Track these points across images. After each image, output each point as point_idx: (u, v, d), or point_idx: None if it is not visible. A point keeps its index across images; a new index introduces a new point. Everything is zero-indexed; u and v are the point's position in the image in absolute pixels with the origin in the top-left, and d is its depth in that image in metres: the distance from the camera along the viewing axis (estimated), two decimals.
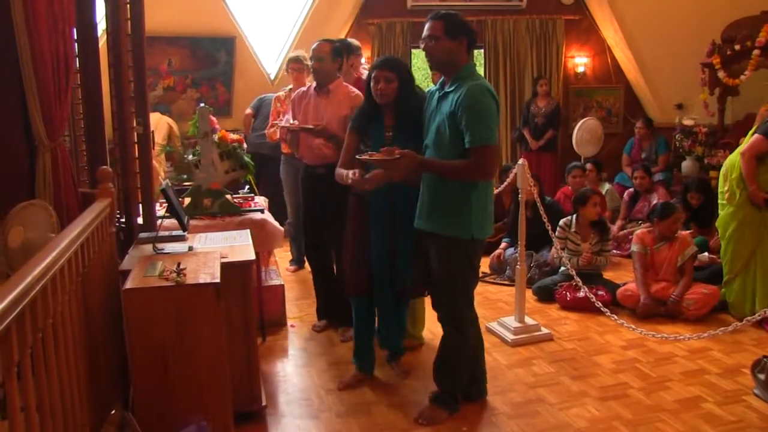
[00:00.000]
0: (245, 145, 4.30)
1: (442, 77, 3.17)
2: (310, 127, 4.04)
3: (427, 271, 3.24)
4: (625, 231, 6.46)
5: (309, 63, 5.06)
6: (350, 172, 3.20)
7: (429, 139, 3.11)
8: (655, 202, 6.35)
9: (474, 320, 3.31)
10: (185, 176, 4.20)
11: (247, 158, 4.17)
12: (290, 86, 5.52)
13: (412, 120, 3.28)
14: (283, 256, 6.08)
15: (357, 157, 3.11)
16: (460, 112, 2.92)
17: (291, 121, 4.29)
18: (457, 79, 3.02)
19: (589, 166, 6.99)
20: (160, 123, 6.76)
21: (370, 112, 3.43)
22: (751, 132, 4.67)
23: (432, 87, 3.35)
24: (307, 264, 5.37)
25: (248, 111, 7.13)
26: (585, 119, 8.12)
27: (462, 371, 3.30)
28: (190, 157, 4.08)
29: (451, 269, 3.11)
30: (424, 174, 3.13)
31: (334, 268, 4.40)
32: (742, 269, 4.52)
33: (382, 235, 3.43)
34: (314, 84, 4.23)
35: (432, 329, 4.35)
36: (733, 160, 4.62)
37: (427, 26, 3.05)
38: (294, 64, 5.43)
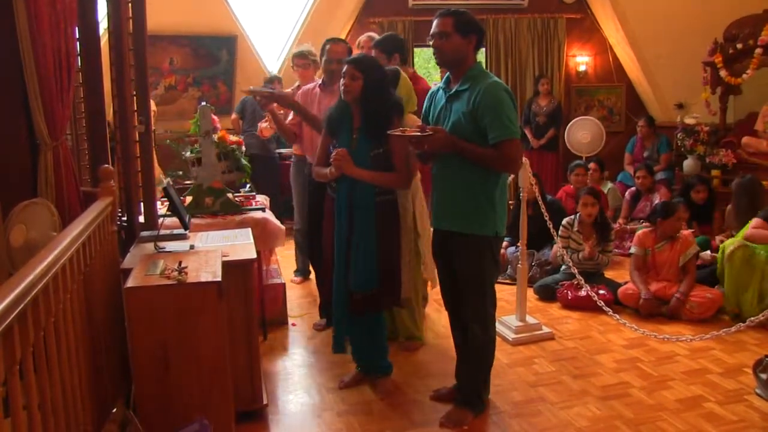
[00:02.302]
0: (243, 148, 4.28)
1: (446, 75, 3.17)
2: (278, 92, 4.05)
3: (450, 272, 3.23)
4: (628, 226, 6.43)
5: (314, 58, 5.02)
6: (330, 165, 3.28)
7: None
8: (656, 201, 6.34)
9: (494, 316, 3.28)
10: (180, 172, 4.19)
11: (244, 161, 4.15)
12: (297, 83, 5.42)
13: (379, 124, 3.23)
14: (285, 255, 6.08)
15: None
16: (480, 111, 2.94)
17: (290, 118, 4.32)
18: (469, 78, 3.02)
19: (592, 165, 6.99)
20: None
21: (342, 110, 3.39)
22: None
23: (433, 87, 3.34)
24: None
25: (234, 116, 7.16)
26: (576, 119, 8.12)
27: (488, 369, 3.33)
28: (188, 153, 4.07)
29: (479, 267, 3.11)
30: (444, 173, 3.14)
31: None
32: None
33: (344, 228, 3.38)
34: (319, 81, 4.24)
35: (432, 329, 4.36)
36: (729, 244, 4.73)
37: (436, 23, 3.03)
38: (299, 60, 5.28)
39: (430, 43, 3.06)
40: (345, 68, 3.31)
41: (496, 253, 3.20)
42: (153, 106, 6.96)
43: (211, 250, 3.09)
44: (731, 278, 4.61)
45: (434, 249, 3.31)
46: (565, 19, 8.48)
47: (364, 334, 3.53)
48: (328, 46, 4.18)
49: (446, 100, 3.12)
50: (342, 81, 3.31)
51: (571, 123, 8.09)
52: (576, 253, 5.09)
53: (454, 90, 3.08)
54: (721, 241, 5.06)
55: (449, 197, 3.13)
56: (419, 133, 2.96)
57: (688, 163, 7.20)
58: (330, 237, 3.46)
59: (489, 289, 3.18)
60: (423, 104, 3.39)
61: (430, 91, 3.33)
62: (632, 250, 4.92)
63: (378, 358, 3.61)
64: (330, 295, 4.28)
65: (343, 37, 7.94)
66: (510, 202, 5.81)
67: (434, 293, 4.10)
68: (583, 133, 8.00)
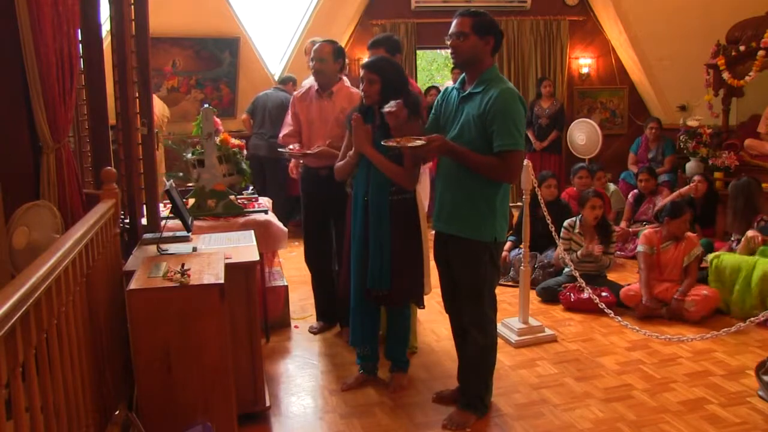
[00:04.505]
0: (245, 152, 4.27)
1: (462, 75, 3.15)
2: (311, 152, 4.02)
3: (450, 275, 3.22)
4: (631, 229, 6.42)
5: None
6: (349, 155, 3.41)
7: (450, 135, 3.07)
8: (659, 204, 6.34)
9: (494, 320, 3.27)
10: (181, 174, 4.18)
11: (245, 165, 4.15)
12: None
13: None
14: (287, 258, 6.08)
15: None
16: (490, 116, 2.91)
17: (290, 124, 4.31)
18: (483, 80, 3.00)
19: (599, 173, 6.97)
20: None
21: (364, 112, 3.44)
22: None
23: (448, 86, 3.34)
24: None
25: (245, 116, 7.19)
26: (575, 121, 8.13)
27: (489, 372, 3.31)
28: (189, 155, 4.07)
29: (477, 272, 3.09)
30: (446, 176, 3.13)
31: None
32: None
33: (361, 228, 3.43)
34: (315, 85, 4.21)
35: (435, 331, 4.36)
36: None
37: (454, 23, 3.01)
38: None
39: (448, 42, 3.04)
40: (362, 74, 3.38)
41: (496, 258, 3.16)
42: (166, 111, 6.98)
43: (214, 252, 3.09)
44: (719, 283, 4.73)
45: (435, 252, 3.31)
46: (567, 21, 8.48)
47: (391, 325, 3.62)
48: (315, 47, 4.17)
49: (459, 101, 3.09)
50: (361, 86, 3.39)
51: (571, 125, 8.10)
52: (575, 253, 5.09)
53: (467, 92, 3.05)
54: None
55: (450, 200, 3.12)
56: (412, 144, 2.96)
57: (691, 166, 7.19)
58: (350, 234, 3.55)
59: (488, 294, 3.17)
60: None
61: (444, 88, 3.32)
62: (640, 248, 4.90)
63: (398, 353, 3.65)
64: (333, 300, 4.30)
65: (346, 39, 7.97)
66: (518, 204, 5.82)
67: (435, 295, 4.09)
68: (579, 135, 8.00)
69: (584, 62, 8.68)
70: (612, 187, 7.26)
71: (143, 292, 2.56)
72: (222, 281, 2.63)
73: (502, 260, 5.61)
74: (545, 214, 4.53)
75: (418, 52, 8.45)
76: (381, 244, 3.36)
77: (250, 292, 3.08)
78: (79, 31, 3.28)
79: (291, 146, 4.15)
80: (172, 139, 4.79)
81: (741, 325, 3.62)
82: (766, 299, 4.43)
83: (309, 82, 5.32)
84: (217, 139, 4.00)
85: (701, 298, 4.53)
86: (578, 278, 4.47)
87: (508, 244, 5.76)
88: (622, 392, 3.51)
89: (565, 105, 8.30)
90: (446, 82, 14.19)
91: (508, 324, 4.33)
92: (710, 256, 4.81)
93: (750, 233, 4.81)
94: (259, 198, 4.58)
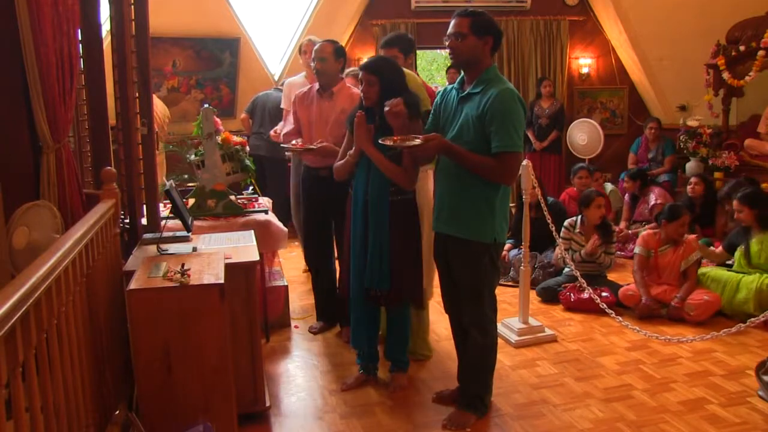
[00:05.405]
0: (248, 148, 4.27)
1: (461, 75, 3.15)
2: (313, 147, 4.02)
3: (450, 275, 3.22)
4: (630, 231, 6.44)
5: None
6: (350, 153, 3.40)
7: (449, 136, 3.06)
8: (652, 203, 6.35)
9: (494, 320, 3.27)
10: (186, 176, 4.19)
11: (248, 161, 4.16)
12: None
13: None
14: (287, 258, 6.08)
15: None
16: (489, 116, 2.90)
17: (291, 125, 4.31)
18: (483, 80, 2.99)
19: (597, 174, 6.97)
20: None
21: (365, 113, 3.42)
22: None
23: (447, 85, 3.33)
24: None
25: (244, 115, 7.19)
26: (575, 121, 8.13)
27: (489, 372, 3.30)
28: (193, 157, 4.08)
29: (477, 273, 3.09)
30: (446, 177, 3.12)
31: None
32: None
33: (361, 228, 3.43)
34: (316, 85, 4.21)
35: (435, 331, 4.36)
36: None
37: (452, 23, 3.00)
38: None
39: (446, 43, 3.03)
40: (360, 75, 3.38)
41: (496, 258, 3.16)
42: (167, 112, 6.95)
43: (214, 252, 3.09)
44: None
45: (435, 252, 3.31)
46: (567, 21, 8.47)
47: (392, 325, 3.61)
48: (316, 46, 4.18)
49: (458, 101, 3.09)
50: (361, 88, 3.39)
51: (571, 125, 8.10)
52: (577, 253, 5.10)
53: (466, 92, 3.04)
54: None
55: (450, 201, 3.11)
56: (409, 143, 2.96)
57: (691, 165, 7.19)
58: (350, 234, 3.54)
59: (487, 294, 3.16)
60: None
61: (443, 88, 3.32)
62: (636, 250, 4.91)
63: (398, 353, 3.64)
64: (333, 299, 4.30)
65: (345, 39, 7.96)
66: (512, 204, 5.83)
67: (435, 295, 4.09)
68: (580, 135, 8.00)
69: (584, 62, 8.67)
70: (609, 186, 7.27)
71: (143, 292, 2.56)
72: (222, 281, 2.63)
73: (502, 260, 5.65)
74: (545, 213, 4.53)
75: (418, 52, 8.44)
76: (380, 244, 3.36)
77: (250, 292, 3.08)
78: (79, 31, 3.28)
79: (293, 141, 4.15)
80: (172, 142, 4.78)
81: (741, 326, 3.62)
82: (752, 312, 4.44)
83: (298, 78, 5.31)
84: (219, 139, 4.00)
85: (702, 302, 4.52)
86: (579, 278, 4.47)
87: (507, 245, 5.77)
88: (622, 392, 3.51)
89: (565, 105, 8.28)
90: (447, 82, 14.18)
91: (508, 324, 4.33)
92: (699, 272, 4.81)
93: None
94: (259, 198, 4.58)
